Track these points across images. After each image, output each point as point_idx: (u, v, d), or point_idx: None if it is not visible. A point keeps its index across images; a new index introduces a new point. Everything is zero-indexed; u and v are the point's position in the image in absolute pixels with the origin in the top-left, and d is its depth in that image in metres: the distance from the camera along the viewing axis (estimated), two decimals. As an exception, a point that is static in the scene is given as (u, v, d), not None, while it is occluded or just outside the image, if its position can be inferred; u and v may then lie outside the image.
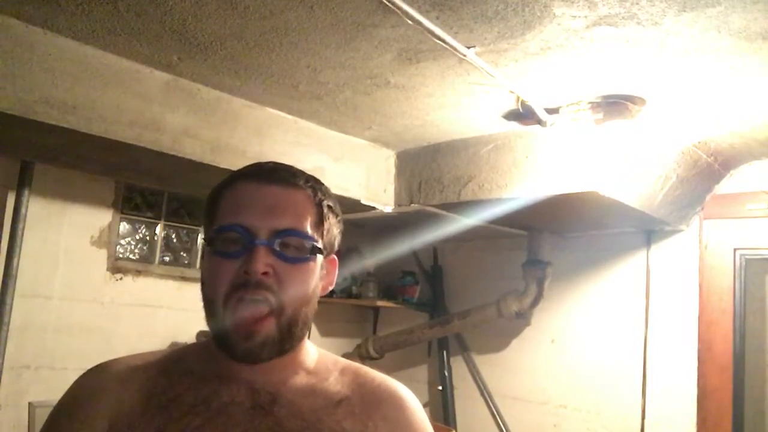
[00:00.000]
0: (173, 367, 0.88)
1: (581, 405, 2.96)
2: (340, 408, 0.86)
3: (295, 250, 0.83)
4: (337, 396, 0.87)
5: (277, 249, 0.82)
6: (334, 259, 0.93)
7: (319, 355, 0.93)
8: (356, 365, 0.95)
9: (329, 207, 0.89)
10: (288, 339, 0.83)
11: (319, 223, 0.87)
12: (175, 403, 0.83)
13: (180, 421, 0.80)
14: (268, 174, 0.87)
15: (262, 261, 0.80)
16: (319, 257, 0.87)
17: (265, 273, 0.80)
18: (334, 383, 0.89)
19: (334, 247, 0.92)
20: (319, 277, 0.87)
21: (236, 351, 0.81)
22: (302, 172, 0.90)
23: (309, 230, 0.84)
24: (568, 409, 3.00)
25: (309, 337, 0.92)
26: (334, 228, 0.91)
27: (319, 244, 0.86)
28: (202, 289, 0.86)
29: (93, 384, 0.87)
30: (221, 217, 0.85)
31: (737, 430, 2.59)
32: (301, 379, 0.87)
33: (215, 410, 0.82)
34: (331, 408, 0.86)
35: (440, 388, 3.39)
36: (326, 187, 0.92)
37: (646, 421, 2.76)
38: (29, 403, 2.29)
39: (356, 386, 0.90)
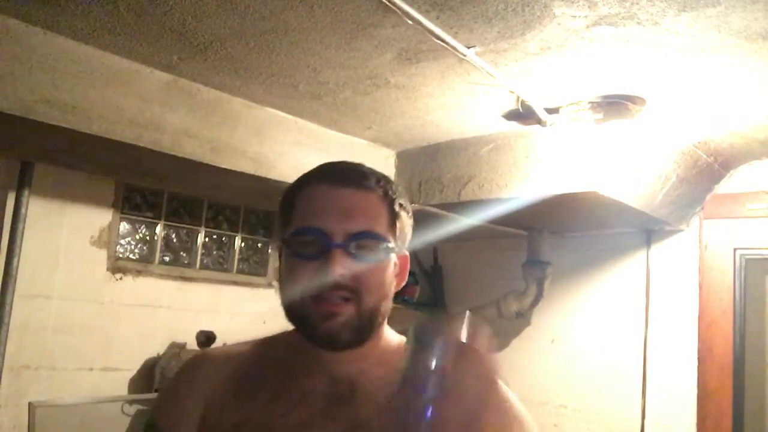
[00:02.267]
0: (262, 355, 0.94)
1: (581, 405, 2.96)
2: None
3: (370, 251, 0.86)
4: None
5: (353, 251, 0.84)
6: (407, 255, 0.95)
7: (399, 342, 0.95)
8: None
9: (401, 206, 0.92)
10: (368, 328, 0.86)
11: (392, 222, 0.89)
12: (262, 390, 0.88)
13: (265, 408, 0.86)
14: (341, 176, 0.89)
15: (339, 264, 0.83)
16: (393, 256, 0.89)
17: (341, 275, 0.83)
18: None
19: (405, 244, 0.94)
20: (393, 274, 0.90)
21: (318, 333, 0.84)
22: (373, 172, 0.92)
23: (382, 231, 0.87)
24: (568, 409, 3.00)
25: None
26: (406, 226, 0.93)
27: (392, 244, 0.89)
28: (282, 288, 0.89)
29: (190, 375, 0.95)
30: (297, 220, 0.87)
31: (737, 430, 2.59)
32: (379, 369, 0.89)
33: (297, 399, 0.86)
34: None
35: (440, 388, 3.39)
36: (397, 186, 0.94)
37: (646, 421, 2.76)
38: (29, 403, 2.29)
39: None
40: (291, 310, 0.87)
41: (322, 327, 0.84)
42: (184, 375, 0.97)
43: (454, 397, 0.71)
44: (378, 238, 0.86)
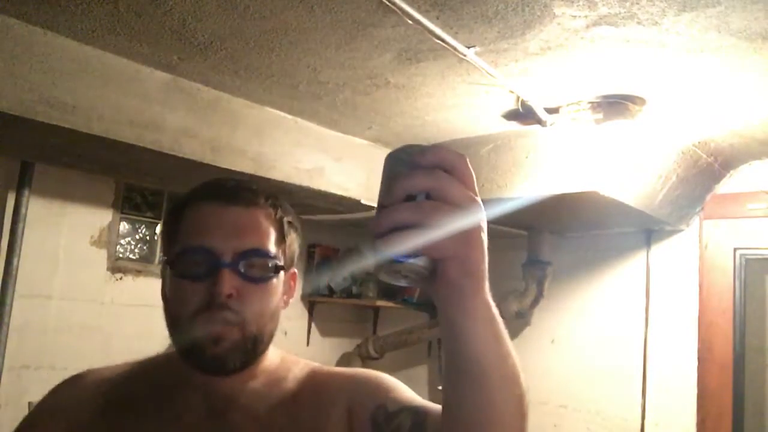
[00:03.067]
0: (136, 376, 0.92)
1: (581, 405, 2.96)
2: (295, 403, 0.87)
3: (258, 270, 0.84)
4: (291, 392, 0.88)
5: (242, 270, 0.83)
6: (295, 272, 0.95)
7: (281, 359, 0.94)
8: (316, 364, 0.96)
9: (289, 223, 0.91)
10: (252, 352, 0.85)
11: (281, 240, 0.88)
12: (132, 410, 0.86)
13: (135, 427, 0.85)
14: (229, 194, 0.87)
15: (228, 284, 0.81)
16: (282, 274, 0.88)
17: (229, 295, 0.81)
18: (291, 380, 0.90)
19: (294, 261, 0.94)
20: (281, 293, 0.89)
21: (204, 357, 0.82)
22: (262, 190, 0.90)
23: (272, 249, 0.86)
24: (568, 409, 3.00)
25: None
26: (294, 243, 0.92)
27: (281, 262, 0.87)
28: (167, 308, 0.87)
29: (53, 400, 0.93)
30: (184, 239, 0.85)
31: (737, 430, 2.59)
32: (257, 383, 0.88)
33: (170, 417, 0.85)
34: (286, 405, 0.87)
35: (440, 388, 3.39)
36: (286, 204, 0.93)
37: (646, 421, 2.76)
38: (29, 403, 2.28)
39: (309, 378, 0.91)
40: (176, 333, 0.84)
41: (209, 351, 0.81)
42: (46, 401, 0.94)
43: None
44: (267, 256, 0.85)
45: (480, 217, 0.56)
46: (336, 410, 0.85)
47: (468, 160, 0.56)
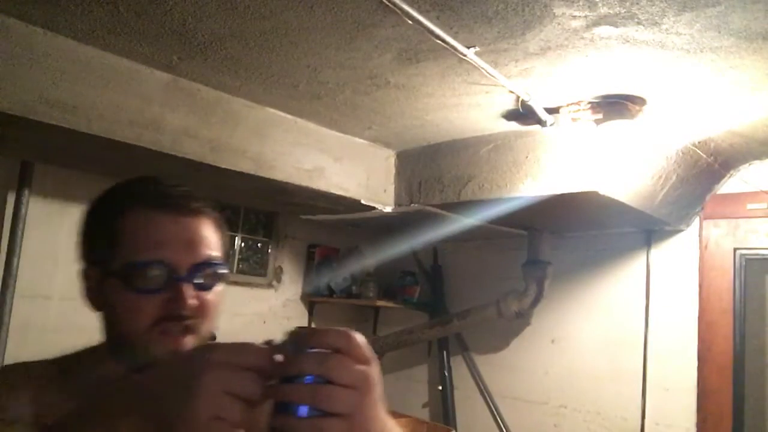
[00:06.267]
0: (65, 375, 0.89)
1: (581, 405, 2.96)
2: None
3: (210, 279, 0.86)
4: None
5: (198, 282, 0.84)
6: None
7: None
8: None
9: (224, 225, 0.94)
10: None
11: (223, 244, 0.91)
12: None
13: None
14: (178, 204, 0.86)
15: (188, 296, 0.82)
16: (225, 278, 0.91)
17: (190, 307, 0.83)
18: None
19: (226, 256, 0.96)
20: (221, 297, 0.91)
21: None
22: (198, 195, 0.91)
23: (220, 256, 0.88)
24: (568, 409, 3.00)
25: None
26: (226, 244, 0.95)
27: (226, 267, 0.90)
28: (113, 321, 0.86)
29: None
30: (132, 250, 0.83)
31: (737, 430, 2.59)
32: None
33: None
34: None
35: (440, 388, 3.39)
36: (217, 205, 0.94)
37: (646, 421, 2.76)
38: (29, 403, 2.28)
39: None
40: (125, 344, 0.83)
41: None
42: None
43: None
44: (218, 266, 0.87)
45: (374, 381, 0.62)
46: None
47: (353, 334, 0.62)
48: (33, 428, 0.79)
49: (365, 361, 0.62)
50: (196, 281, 0.84)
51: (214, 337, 0.88)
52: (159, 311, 0.82)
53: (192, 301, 0.82)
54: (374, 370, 0.63)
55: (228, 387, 0.58)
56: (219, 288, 0.88)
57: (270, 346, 0.63)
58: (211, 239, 0.87)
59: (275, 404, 0.60)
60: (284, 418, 0.59)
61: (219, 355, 0.59)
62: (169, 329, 0.82)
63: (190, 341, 0.83)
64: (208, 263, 0.85)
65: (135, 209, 0.85)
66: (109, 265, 0.83)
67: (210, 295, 0.86)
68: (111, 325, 0.87)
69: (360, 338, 0.63)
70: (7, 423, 0.79)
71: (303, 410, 0.58)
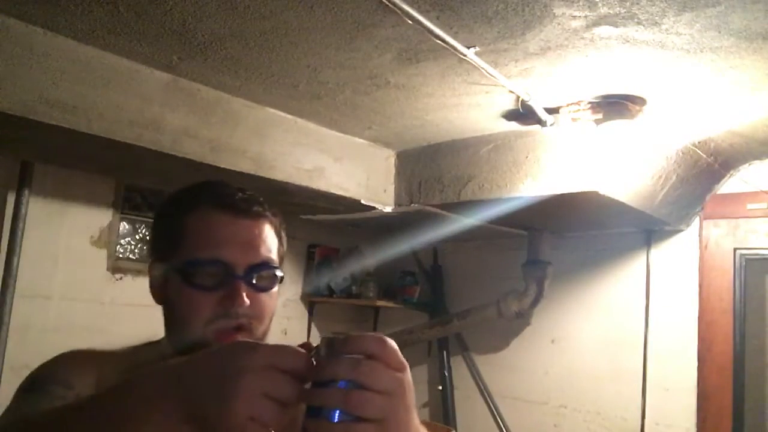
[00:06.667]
0: (133, 361, 0.95)
1: (581, 405, 2.96)
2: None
3: (266, 281, 0.90)
4: None
5: (254, 282, 0.88)
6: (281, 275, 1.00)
7: None
8: None
9: (284, 230, 0.97)
10: None
11: (281, 248, 0.95)
12: None
13: None
14: (240, 206, 0.90)
15: (243, 296, 0.85)
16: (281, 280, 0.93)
17: (246, 306, 0.86)
18: None
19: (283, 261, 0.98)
20: (276, 297, 0.94)
21: None
22: (262, 199, 0.94)
23: (276, 259, 0.92)
24: (568, 409, 3.00)
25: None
26: (285, 248, 0.97)
27: (282, 270, 0.93)
28: (172, 313, 0.90)
29: (71, 366, 0.95)
30: (193, 248, 0.87)
31: (737, 430, 2.59)
32: None
33: None
34: None
35: (440, 388, 3.39)
36: (279, 211, 0.96)
37: (646, 421, 2.76)
38: (29, 403, 2.28)
39: None
40: (184, 338, 0.87)
41: None
42: (75, 356, 0.96)
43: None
44: (274, 268, 0.91)
45: (407, 387, 0.63)
46: None
47: (387, 340, 0.63)
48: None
49: (399, 368, 0.62)
50: (252, 282, 0.87)
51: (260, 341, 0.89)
52: (215, 308, 0.85)
53: (246, 300, 0.85)
54: (407, 377, 0.63)
55: (267, 390, 0.58)
56: (274, 290, 0.91)
57: (307, 350, 0.64)
58: (269, 242, 0.91)
59: (308, 408, 0.61)
60: (317, 422, 0.59)
61: (260, 357, 0.60)
62: (223, 327, 0.85)
63: (243, 338, 0.85)
64: (265, 265, 0.88)
65: (199, 209, 0.89)
66: (172, 261, 0.88)
67: (265, 297, 0.89)
68: (171, 319, 0.91)
69: (393, 344, 0.63)
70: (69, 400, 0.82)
71: (336, 415, 0.59)
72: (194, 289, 0.86)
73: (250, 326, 0.87)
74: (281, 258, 0.94)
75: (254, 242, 0.88)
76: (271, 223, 0.92)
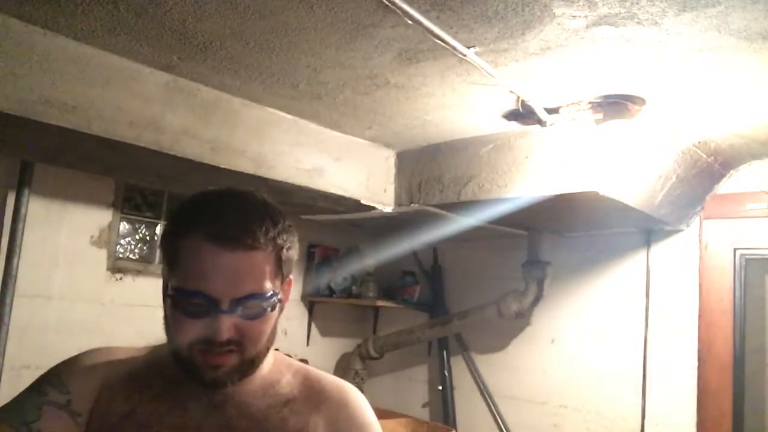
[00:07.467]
0: (151, 361, 1.00)
1: (581, 405, 2.96)
2: (286, 407, 0.96)
3: (255, 309, 0.89)
4: (285, 396, 0.98)
5: (239, 313, 0.87)
6: (291, 279, 0.98)
7: (274, 360, 1.02)
8: (309, 368, 1.05)
9: (288, 247, 0.93)
10: (251, 370, 0.94)
11: (278, 270, 0.91)
12: (149, 389, 0.95)
13: (149, 405, 0.93)
14: (227, 235, 0.86)
15: (226, 327, 0.86)
16: (277, 301, 0.92)
17: (228, 337, 0.87)
18: (285, 385, 0.99)
19: (291, 270, 0.96)
20: (276, 316, 0.94)
21: (204, 379, 0.90)
22: (260, 221, 0.89)
23: (268, 289, 0.89)
24: (568, 409, 3.00)
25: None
26: (293, 257, 0.95)
27: (278, 295, 0.92)
28: (168, 333, 0.93)
29: (92, 361, 1.00)
30: (182, 276, 0.88)
31: (737, 430, 2.59)
32: (254, 383, 0.96)
33: (176, 401, 0.94)
34: (278, 407, 0.96)
35: (440, 388, 3.39)
36: (283, 223, 0.92)
37: (646, 421, 2.76)
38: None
39: (304, 387, 1.00)
40: (178, 356, 0.91)
41: (207, 375, 0.89)
42: (85, 359, 1.00)
43: None
44: (263, 297, 0.88)
45: None
46: (319, 430, 0.95)
47: None
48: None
49: None
50: (237, 314, 0.87)
51: (253, 361, 0.92)
52: (201, 333, 0.87)
53: (229, 333, 0.86)
54: None
55: None
56: (268, 314, 0.90)
57: None
58: (258, 274, 0.88)
59: None
60: None
61: None
62: (208, 351, 0.87)
63: (232, 359, 0.89)
64: (252, 297, 0.87)
65: (191, 236, 0.88)
66: (169, 279, 0.90)
67: (256, 323, 0.89)
68: (166, 328, 0.94)
69: None
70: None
71: None
72: (182, 315, 0.88)
73: (241, 349, 0.89)
74: (285, 273, 0.93)
75: (239, 276, 0.86)
76: (264, 253, 0.88)
